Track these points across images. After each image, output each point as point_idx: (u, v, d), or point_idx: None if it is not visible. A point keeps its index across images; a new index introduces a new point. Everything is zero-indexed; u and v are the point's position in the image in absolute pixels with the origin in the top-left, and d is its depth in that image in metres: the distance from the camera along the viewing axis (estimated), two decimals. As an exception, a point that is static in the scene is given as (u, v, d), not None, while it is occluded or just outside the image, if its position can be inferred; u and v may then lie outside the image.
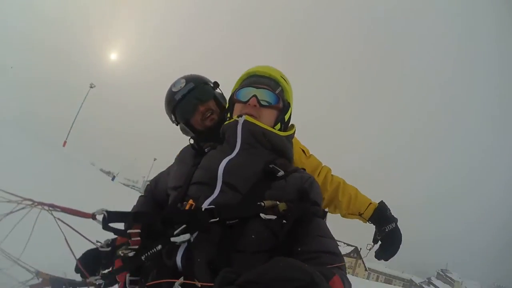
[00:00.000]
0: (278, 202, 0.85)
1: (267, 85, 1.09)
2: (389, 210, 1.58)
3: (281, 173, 0.95)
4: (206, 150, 1.09)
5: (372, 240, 1.57)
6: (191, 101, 1.48)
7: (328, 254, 0.79)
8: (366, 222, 1.61)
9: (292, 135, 1.14)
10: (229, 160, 0.97)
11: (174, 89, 1.50)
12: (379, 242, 1.57)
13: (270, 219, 0.82)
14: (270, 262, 0.56)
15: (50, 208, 1.06)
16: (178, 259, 0.81)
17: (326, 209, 1.38)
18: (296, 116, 1.20)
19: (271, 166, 0.96)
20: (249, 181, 0.93)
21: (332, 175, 1.68)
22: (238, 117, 1.03)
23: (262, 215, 0.82)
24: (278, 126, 1.09)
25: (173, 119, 1.57)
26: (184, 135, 1.60)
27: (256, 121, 1.02)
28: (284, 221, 0.83)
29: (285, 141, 1.08)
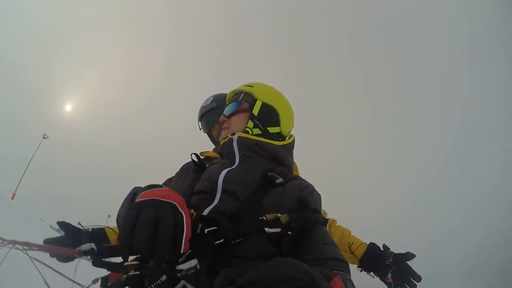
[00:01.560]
0: (279, 215, 0.84)
1: (232, 100, 1.20)
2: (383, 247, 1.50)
3: (279, 180, 0.97)
4: (207, 165, 1.11)
5: None
6: (209, 119, 1.73)
7: (335, 261, 0.80)
8: (357, 265, 1.51)
9: (290, 145, 1.17)
10: (229, 170, 1.01)
11: (203, 104, 1.78)
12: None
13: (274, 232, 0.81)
14: (270, 262, 0.55)
15: (25, 247, 0.98)
16: None
17: (327, 217, 1.40)
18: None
19: (269, 173, 0.99)
20: (248, 188, 0.94)
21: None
22: (232, 135, 1.11)
23: (266, 229, 0.80)
24: (251, 123, 1.12)
25: (200, 128, 1.83)
26: None
27: (248, 135, 1.09)
28: (289, 232, 0.81)
29: (281, 150, 1.11)
